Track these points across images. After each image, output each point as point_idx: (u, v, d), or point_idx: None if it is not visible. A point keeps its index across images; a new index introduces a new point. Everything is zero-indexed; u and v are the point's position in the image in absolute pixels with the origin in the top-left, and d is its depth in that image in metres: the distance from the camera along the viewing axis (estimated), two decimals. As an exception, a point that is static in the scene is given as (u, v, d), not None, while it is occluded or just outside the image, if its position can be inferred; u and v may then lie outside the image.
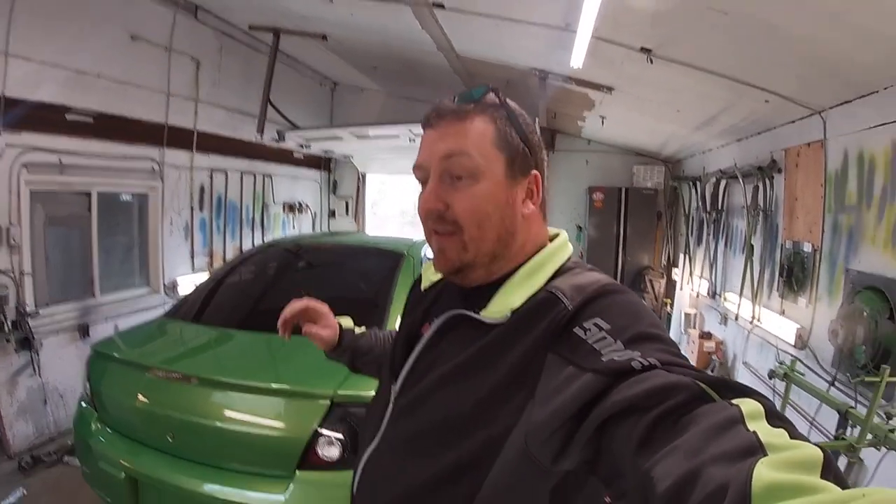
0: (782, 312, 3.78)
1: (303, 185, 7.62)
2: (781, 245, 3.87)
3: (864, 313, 2.72)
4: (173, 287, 5.13)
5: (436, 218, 0.86)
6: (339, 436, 2.25)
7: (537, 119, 5.02)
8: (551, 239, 0.92)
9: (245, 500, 2.26)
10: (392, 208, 17.14)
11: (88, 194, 4.36)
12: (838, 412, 2.36)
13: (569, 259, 0.89)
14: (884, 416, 2.20)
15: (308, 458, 2.27)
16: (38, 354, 3.81)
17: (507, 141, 0.86)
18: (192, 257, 5.45)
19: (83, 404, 2.79)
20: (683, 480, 0.47)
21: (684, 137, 5.48)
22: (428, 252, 3.69)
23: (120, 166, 4.51)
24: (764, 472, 0.42)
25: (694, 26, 3.06)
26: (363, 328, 1.38)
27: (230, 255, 5.97)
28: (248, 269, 3.81)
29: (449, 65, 5.51)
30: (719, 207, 5.13)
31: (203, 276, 5.43)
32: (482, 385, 0.77)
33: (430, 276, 1.04)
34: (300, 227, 7.54)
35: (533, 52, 4.49)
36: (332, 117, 7.96)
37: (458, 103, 0.87)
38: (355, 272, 3.69)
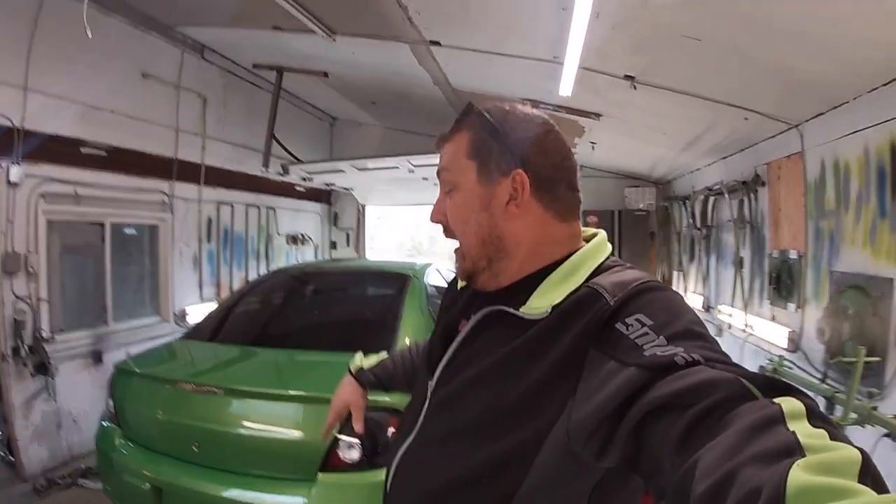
0: (773, 318, 3.93)
1: (305, 218, 7.81)
2: (769, 254, 4.06)
3: (849, 311, 2.89)
4: (182, 316, 5.25)
5: (444, 229, 0.95)
6: (359, 440, 2.34)
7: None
8: (588, 239, 0.94)
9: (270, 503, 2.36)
10: (390, 241, 17.33)
11: (102, 225, 4.52)
12: (824, 398, 2.51)
13: (608, 258, 0.91)
14: (866, 397, 2.34)
15: (329, 461, 2.37)
16: (53, 379, 3.89)
17: (479, 147, 0.90)
18: (201, 287, 5.58)
19: (104, 423, 2.89)
20: (721, 481, 0.47)
21: (672, 159, 5.72)
22: (431, 274, 3.87)
23: (132, 198, 4.69)
24: (799, 475, 0.42)
25: (671, 53, 3.30)
26: (373, 358, 1.44)
27: (237, 286, 6.12)
28: (260, 293, 3.95)
29: (445, 98, 5.80)
30: (709, 223, 5.34)
31: (211, 306, 5.58)
32: (524, 380, 0.77)
33: None
34: (303, 258, 7.70)
35: (524, 84, 4.75)
36: (332, 151, 8.22)
37: (447, 132, 0.96)
38: (364, 295, 3.86)
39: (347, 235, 8.46)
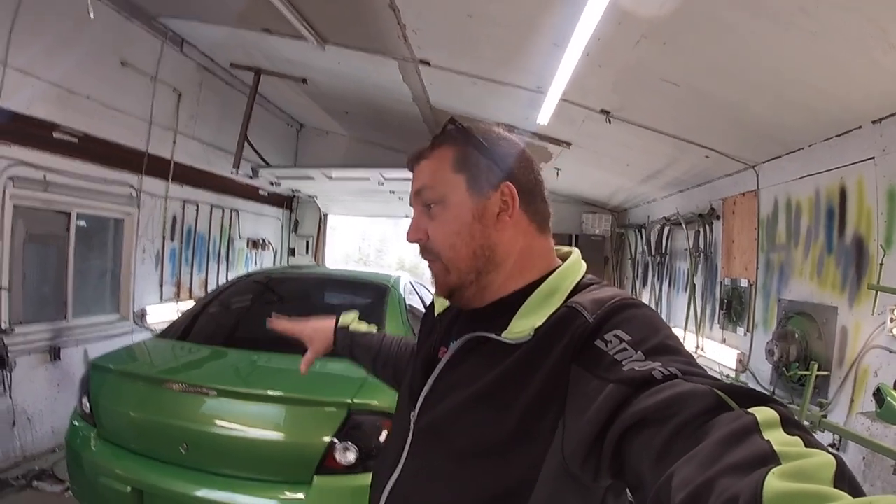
0: (723, 341, 4.28)
1: (266, 223, 7.74)
2: (721, 282, 4.43)
3: (796, 335, 3.22)
4: (142, 316, 5.09)
5: (421, 248, 0.94)
6: (356, 443, 2.39)
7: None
8: (564, 258, 0.95)
9: None
10: (337, 250, 17.17)
11: (68, 214, 4.36)
12: (784, 405, 2.80)
13: (584, 276, 0.92)
14: (817, 406, 2.65)
15: (325, 464, 2.38)
16: (10, 374, 3.70)
17: (466, 161, 0.91)
18: (161, 287, 5.43)
19: (76, 423, 2.78)
20: (698, 492, 0.47)
21: (631, 189, 6.10)
22: (406, 286, 3.97)
23: (100, 189, 4.55)
24: (775, 483, 0.43)
25: (649, 93, 3.60)
26: (363, 326, 1.47)
27: (196, 287, 5.99)
28: (237, 295, 3.90)
29: (420, 114, 5.95)
30: (663, 251, 5.72)
31: (170, 307, 5.44)
32: (513, 406, 0.77)
33: (443, 301, 1.06)
34: (262, 262, 7.62)
35: (503, 109, 4.96)
36: (297, 157, 8.20)
37: (430, 143, 0.96)
38: (346, 303, 3.86)
39: (307, 242, 8.42)
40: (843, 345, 2.88)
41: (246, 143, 5.77)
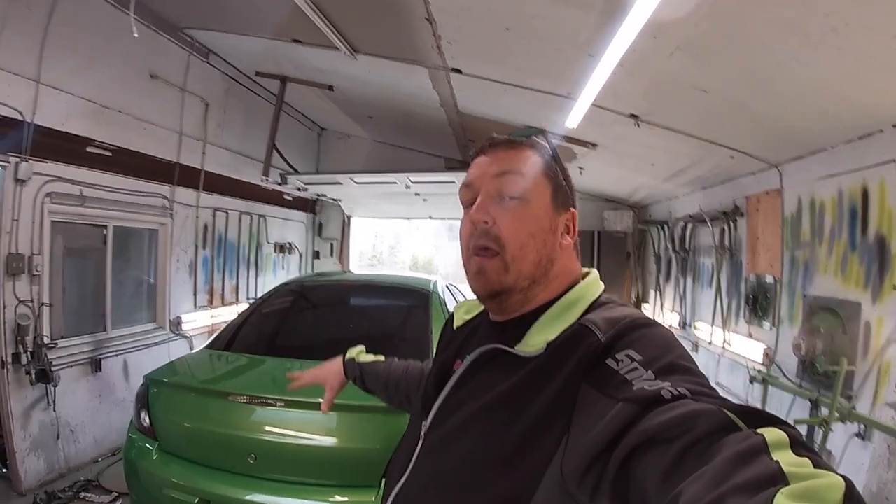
0: (749, 335, 4.43)
1: (291, 227, 7.91)
2: (746, 278, 4.57)
3: (822, 329, 3.37)
4: (178, 324, 5.24)
5: (481, 233, 0.89)
6: None
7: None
8: (583, 276, 0.96)
9: None
10: (352, 250, 17.41)
11: (104, 227, 4.49)
12: (810, 401, 2.96)
13: (601, 295, 0.92)
14: (846, 399, 2.82)
15: None
16: (55, 388, 3.77)
17: (554, 174, 0.94)
18: (195, 294, 5.57)
19: (134, 436, 2.85)
20: None
21: (654, 187, 6.24)
22: (444, 289, 4.11)
23: (134, 201, 4.67)
24: (784, 503, 0.43)
25: (678, 99, 3.73)
26: (369, 357, 1.57)
27: (228, 294, 6.16)
28: (279, 304, 4.00)
29: (446, 118, 6.11)
30: (687, 247, 5.87)
31: (204, 314, 5.62)
32: (519, 419, 0.77)
33: (463, 314, 1.09)
34: (289, 266, 7.79)
35: (531, 114, 5.09)
36: (318, 161, 8.38)
37: (511, 138, 0.97)
38: (391, 309, 4.00)
39: (332, 245, 8.60)
40: (866, 339, 3.02)
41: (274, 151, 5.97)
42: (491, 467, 0.77)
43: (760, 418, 0.59)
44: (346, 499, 2.51)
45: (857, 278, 3.17)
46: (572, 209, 0.96)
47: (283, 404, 2.67)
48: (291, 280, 4.76)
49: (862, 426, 2.75)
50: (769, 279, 4.20)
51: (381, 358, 1.57)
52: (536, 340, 0.83)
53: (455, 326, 1.08)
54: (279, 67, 5.76)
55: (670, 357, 0.73)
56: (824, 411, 2.79)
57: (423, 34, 3.92)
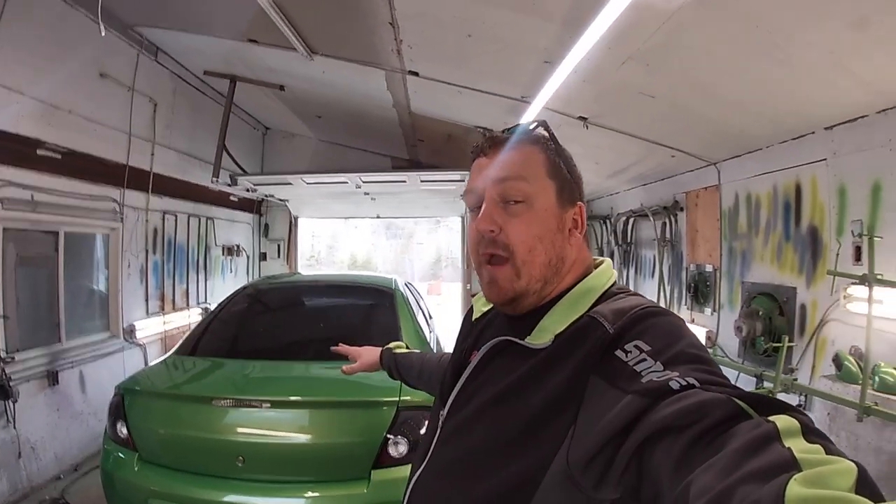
0: (692, 321, 4.79)
1: (238, 229, 7.74)
2: (686, 268, 4.93)
3: (760, 312, 3.72)
4: (131, 332, 5.06)
5: (488, 241, 0.90)
6: (406, 437, 2.64)
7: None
8: (596, 266, 0.97)
9: None
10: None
11: (56, 233, 4.28)
12: (754, 376, 3.28)
13: (612, 285, 0.93)
14: (787, 373, 3.16)
15: (381, 459, 2.61)
16: (14, 404, 3.59)
17: (558, 170, 0.92)
18: (147, 301, 5.39)
19: (110, 448, 2.79)
20: (717, 499, 0.48)
21: (597, 184, 6.56)
22: (405, 287, 4.23)
23: (85, 206, 4.49)
24: (797, 489, 0.43)
25: (626, 103, 3.98)
26: (404, 349, 1.68)
27: (179, 299, 5.98)
28: (249, 307, 3.96)
29: (398, 119, 6.17)
30: (629, 241, 6.22)
31: (157, 321, 5.45)
32: (526, 409, 0.79)
33: (481, 306, 1.09)
34: (237, 269, 7.62)
35: (483, 114, 5.26)
36: (264, 161, 8.22)
37: (511, 135, 0.94)
38: (358, 307, 4.05)
39: (278, 246, 8.46)
40: (802, 319, 3.39)
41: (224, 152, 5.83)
42: (499, 456, 0.79)
43: (771, 406, 0.59)
44: (336, 493, 2.57)
45: (792, 265, 3.53)
46: (579, 203, 0.95)
47: (268, 405, 2.70)
48: (252, 282, 4.72)
49: (803, 396, 3.08)
50: (709, 268, 4.56)
51: (416, 350, 1.70)
52: (545, 332, 0.85)
53: (473, 318, 1.09)
54: (230, 67, 5.61)
55: (679, 346, 0.73)
56: (768, 385, 3.09)
57: (384, 37, 3.97)
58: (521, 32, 3.37)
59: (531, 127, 0.95)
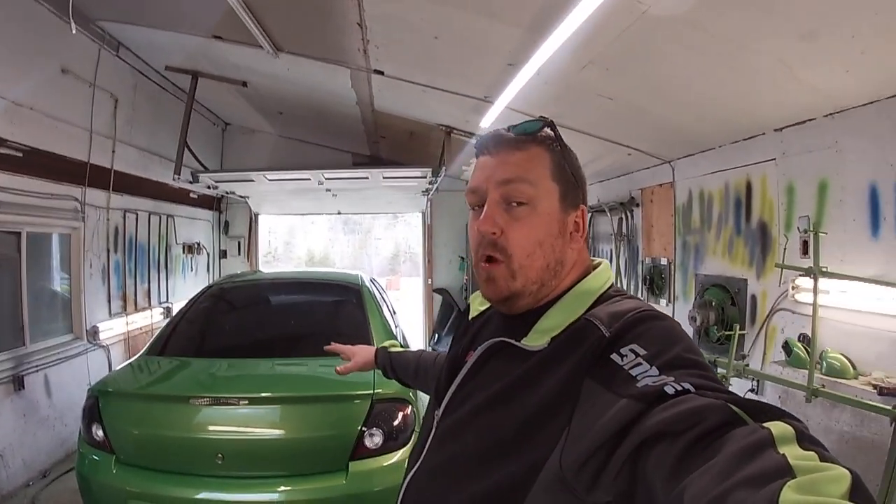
0: (649, 311, 5.01)
1: (198, 226, 7.60)
2: (642, 261, 5.16)
3: (713, 303, 3.95)
4: (94, 333, 4.94)
5: (489, 243, 0.88)
6: (381, 428, 2.74)
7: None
8: (594, 268, 0.96)
9: (309, 497, 2.61)
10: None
11: (18, 234, 4.15)
12: (709, 362, 3.49)
13: (610, 287, 0.92)
14: (739, 359, 3.39)
15: (357, 450, 2.70)
16: None
17: (562, 172, 0.90)
18: (109, 301, 5.27)
19: (85, 452, 2.77)
20: None
21: (556, 180, 6.74)
22: (370, 283, 4.28)
23: (46, 205, 4.35)
24: (791, 496, 0.43)
25: (586, 104, 4.14)
26: (398, 348, 1.68)
27: (141, 299, 5.86)
28: (213, 305, 3.95)
29: (360, 116, 6.19)
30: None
31: (120, 321, 5.34)
32: (520, 410, 0.78)
33: (478, 305, 1.07)
34: (197, 267, 7.49)
35: (446, 113, 5.36)
36: (223, 157, 8.08)
37: (516, 134, 0.91)
38: (326, 304, 4.09)
39: (239, 244, 8.33)
40: (753, 309, 3.63)
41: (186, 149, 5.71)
42: (493, 457, 0.79)
43: (766, 412, 0.59)
44: (316, 485, 2.64)
45: (743, 258, 3.76)
46: (582, 206, 0.94)
47: (246, 402, 2.74)
48: (217, 281, 4.68)
49: (755, 381, 3.30)
50: (664, 261, 4.79)
51: (412, 347, 1.77)
52: (541, 334, 0.84)
53: (470, 317, 1.09)
54: (192, 62, 5.50)
55: (675, 351, 0.73)
56: (721, 370, 3.29)
57: (351, 37, 4.01)
58: (487, 36, 3.47)
59: (537, 126, 0.92)
